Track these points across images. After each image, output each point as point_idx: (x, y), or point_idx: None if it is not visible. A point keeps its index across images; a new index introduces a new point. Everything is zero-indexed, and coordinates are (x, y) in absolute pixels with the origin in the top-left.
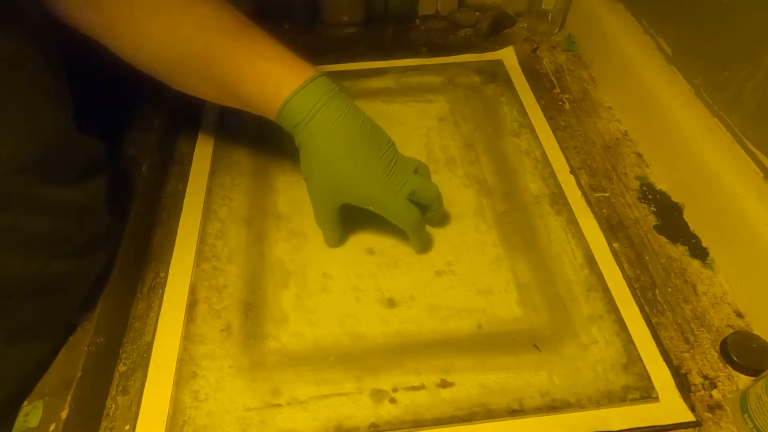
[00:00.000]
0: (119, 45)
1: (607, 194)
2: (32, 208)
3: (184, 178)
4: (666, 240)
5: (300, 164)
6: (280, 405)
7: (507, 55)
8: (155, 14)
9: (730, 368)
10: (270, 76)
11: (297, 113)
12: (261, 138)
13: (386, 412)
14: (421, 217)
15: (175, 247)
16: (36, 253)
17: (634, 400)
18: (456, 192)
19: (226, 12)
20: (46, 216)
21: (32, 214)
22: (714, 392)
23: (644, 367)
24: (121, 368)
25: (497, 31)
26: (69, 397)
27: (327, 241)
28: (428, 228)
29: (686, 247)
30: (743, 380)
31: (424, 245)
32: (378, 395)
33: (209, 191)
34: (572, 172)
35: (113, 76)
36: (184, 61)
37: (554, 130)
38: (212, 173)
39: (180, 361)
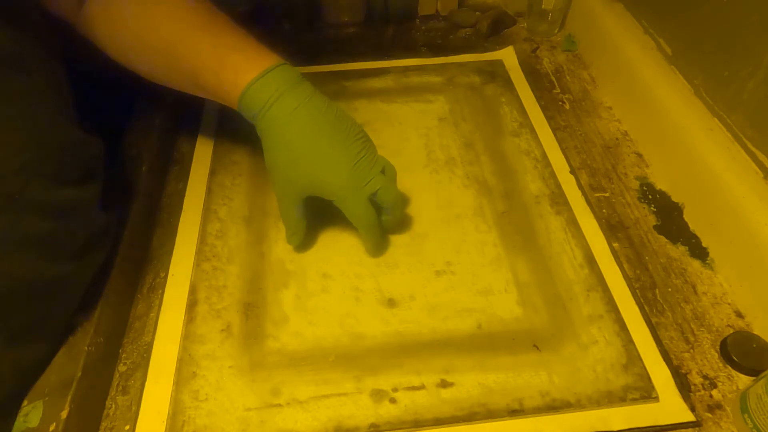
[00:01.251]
0: (93, 31)
1: (607, 194)
2: (32, 209)
3: (184, 178)
4: (666, 240)
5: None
6: (280, 405)
7: (507, 55)
8: (127, 1)
9: (730, 368)
10: (229, 65)
11: (255, 102)
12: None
13: (386, 412)
14: (376, 219)
15: (175, 247)
16: (35, 255)
17: (634, 400)
18: (456, 192)
19: (196, 3)
20: (46, 217)
21: (32, 215)
22: (714, 392)
23: (644, 367)
24: (121, 368)
25: (497, 31)
26: (69, 397)
27: (288, 240)
28: (428, 228)
29: (686, 247)
30: (743, 380)
31: (377, 247)
32: (378, 395)
33: (209, 191)
34: (572, 172)
35: (114, 76)
36: (153, 49)
37: (554, 130)
38: (212, 173)
39: (180, 361)
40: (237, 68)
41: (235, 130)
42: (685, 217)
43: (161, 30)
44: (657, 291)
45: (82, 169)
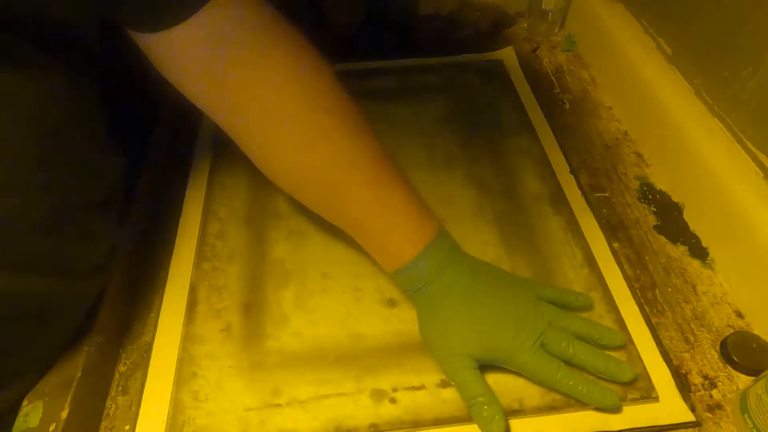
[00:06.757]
0: (243, 140)
1: (607, 194)
2: (56, 230)
3: (184, 178)
4: (666, 240)
5: (418, 325)
6: (280, 405)
7: (507, 55)
8: (290, 130)
9: (730, 368)
10: (396, 234)
11: (417, 278)
12: None
13: (386, 412)
14: (555, 372)
15: (175, 247)
16: (50, 274)
17: (634, 400)
18: (456, 192)
19: (363, 145)
20: (68, 238)
21: (55, 236)
22: (714, 392)
23: (644, 367)
24: (121, 368)
25: (497, 31)
26: (69, 397)
27: (493, 421)
28: None
29: (686, 247)
30: (743, 380)
31: (599, 402)
32: (378, 395)
33: (209, 191)
34: (572, 172)
35: (113, 76)
36: (308, 183)
37: (554, 130)
38: (212, 173)
39: (180, 361)
40: (403, 239)
41: None
42: (685, 217)
43: (323, 170)
44: (657, 291)
45: (112, 193)
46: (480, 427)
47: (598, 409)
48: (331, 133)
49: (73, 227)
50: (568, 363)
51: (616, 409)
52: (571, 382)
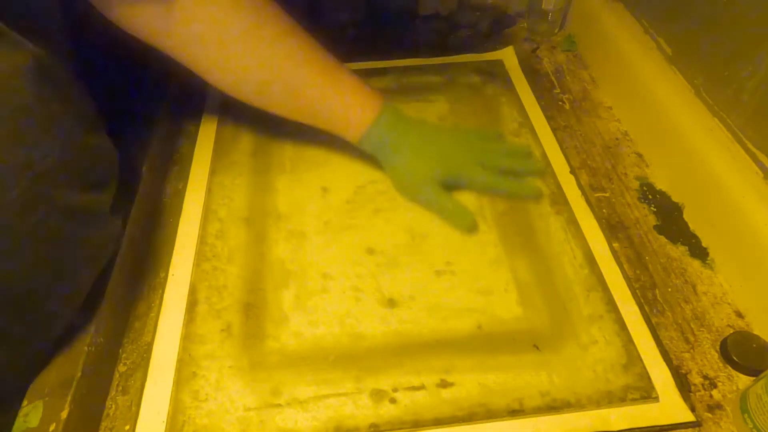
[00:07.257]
0: (200, 63)
1: (607, 194)
2: (57, 211)
3: (184, 178)
4: (666, 240)
5: (389, 176)
6: (280, 405)
7: (507, 55)
8: (245, 39)
9: (730, 368)
10: (354, 106)
11: (379, 136)
12: (261, 138)
13: (386, 412)
14: (492, 176)
15: (175, 247)
16: (52, 257)
17: (634, 400)
18: (456, 192)
19: (311, 46)
20: (69, 220)
21: (56, 217)
22: (714, 392)
23: (644, 367)
24: (121, 368)
25: (497, 31)
26: (69, 397)
27: (463, 221)
28: (428, 228)
29: (686, 247)
30: (743, 380)
31: (525, 192)
32: (378, 395)
33: (209, 191)
34: (572, 172)
35: (112, 77)
36: (269, 85)
37: (554, 130)
38: (212, 173)
39: (180, 361)
40: (361, 108)
41: (235, 129)
42: (685, 217)
43: (282, 70)
44: (657, 291)
45: (100, 174)
46: (453, 225)
47: (524, 197)
48: (282, 38)
49: (57, 209)
50: (501, 172)
51: (537, 195)
52: (505, 183)
